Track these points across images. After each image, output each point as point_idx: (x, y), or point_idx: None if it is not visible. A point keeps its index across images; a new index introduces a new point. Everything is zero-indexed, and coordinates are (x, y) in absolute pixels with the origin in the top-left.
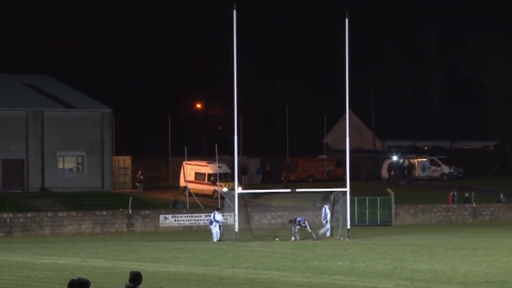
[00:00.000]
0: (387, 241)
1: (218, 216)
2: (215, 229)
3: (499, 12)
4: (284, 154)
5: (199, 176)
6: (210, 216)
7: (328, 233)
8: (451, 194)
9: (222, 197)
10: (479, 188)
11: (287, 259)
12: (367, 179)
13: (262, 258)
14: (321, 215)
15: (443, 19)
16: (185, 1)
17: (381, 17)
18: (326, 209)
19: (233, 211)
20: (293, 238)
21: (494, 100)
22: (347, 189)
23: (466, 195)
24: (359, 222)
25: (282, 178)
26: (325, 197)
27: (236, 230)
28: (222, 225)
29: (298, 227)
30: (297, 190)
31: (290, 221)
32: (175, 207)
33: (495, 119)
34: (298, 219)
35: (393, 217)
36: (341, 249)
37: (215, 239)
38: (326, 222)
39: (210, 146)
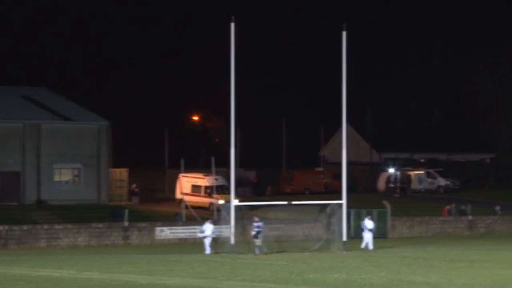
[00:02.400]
0: (383, 253)
1: (205, 226)
2: (206, 242)
3: (494, 26)
4: (280, 166)
5: (195, 189)
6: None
7: (370, 246)
8: (446, 208)
9: (219, 210)
10: (476, 200)
11: (283, 271)
12: (364, 191)
13: (258, 271)
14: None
15: (443, 30)
16: (184, 13)
17: (379, 29)
18: (365, 221)
19: (229, 223)
20: (257, 251)
21: (491, 112)
22: (343, 201)
23: (463, 207)
24: (355, 235)
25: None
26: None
27: (232, 242)
28: (211, 236)
29: (257, 240)
30: (294, 202)
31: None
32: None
33: (491, 132)
34: (258, 223)
35: (390, 230)
36: (337, 261)
37: (207, 251)
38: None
39: (207, 158)
